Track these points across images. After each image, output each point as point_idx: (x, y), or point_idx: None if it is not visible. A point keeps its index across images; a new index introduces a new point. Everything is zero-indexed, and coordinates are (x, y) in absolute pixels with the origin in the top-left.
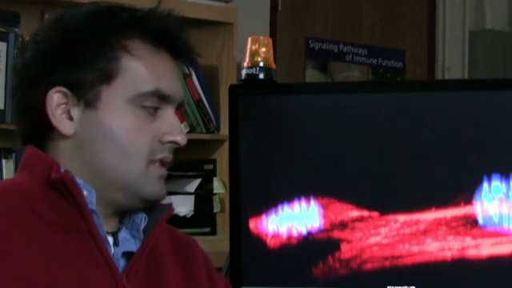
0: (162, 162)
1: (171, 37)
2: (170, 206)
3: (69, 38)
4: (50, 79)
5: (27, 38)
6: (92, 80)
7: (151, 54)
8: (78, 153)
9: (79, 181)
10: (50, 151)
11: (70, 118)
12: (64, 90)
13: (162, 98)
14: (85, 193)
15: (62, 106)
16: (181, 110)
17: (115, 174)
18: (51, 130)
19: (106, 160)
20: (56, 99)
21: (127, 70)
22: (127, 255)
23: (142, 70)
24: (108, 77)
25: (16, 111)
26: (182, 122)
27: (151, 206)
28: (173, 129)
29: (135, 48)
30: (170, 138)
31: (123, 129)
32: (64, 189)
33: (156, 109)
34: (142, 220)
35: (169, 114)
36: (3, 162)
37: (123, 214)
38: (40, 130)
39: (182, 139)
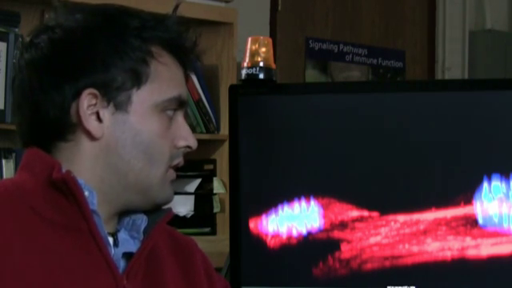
0: (175, 167)
1: (185, 48)
2: (169, 210)
3: (97, 39)
4: (82, 81)
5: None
6: (123, 82)
7: (171, 60)
8: (102, 154)
9: (80, 181)
10: (61, 151)
11: (100, 120)
12: (94, 91)
13: (181, 104)
14: (86, 193)
15: (91, 108)
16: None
17: (138, 177)
18: (72, 131)
19: (132, 163)
20: (87, 101)
21: (156, 75)
22: (126, 256)
23: (167, 76)
24: (139, 80)
25: (27, 110)
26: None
27: (157, 208)
28: (187, 134)
29: (160, 54)
30: (185, 143)
31: (151, 133)
32: (65, 189)
33: (173, 114)
34: (142, 221)
35: (181, 120)
36: (3, 162)
37: (122, 215)
38: (55, 130)
39: (194, 144)
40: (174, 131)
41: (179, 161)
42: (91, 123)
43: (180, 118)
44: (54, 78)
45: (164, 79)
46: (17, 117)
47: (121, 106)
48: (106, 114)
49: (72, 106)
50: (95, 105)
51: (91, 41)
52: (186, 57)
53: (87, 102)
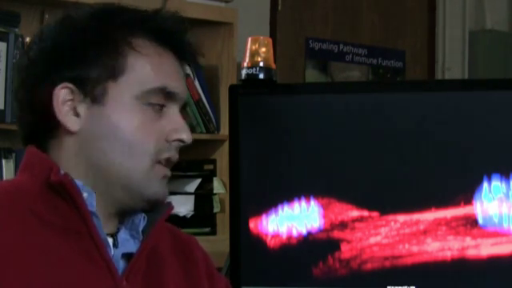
0: (168, 162)
1: (176, 37)
2: (168, 205)
3: (74, 35)
4: (56, 76)
5: (27, 39)
6: (98, 76)
7: (157, 52)
8: (82, 150)
9: (79, 183)
10: (53, 150)
11: (77, 115)
12: (70, 85)
13: (168, 95)
14: (84, 195)
15: (69, 103)
16: (182, 111)
17: (120, 172)
18: (56, 128)
19: (111, 157)
20: (62, 95)
21: (133, 66)
22: (127, 256)
23: (148, 67)
24: (114, 73)
25: (19, 110)
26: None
27: (154, 207)
28: (179, 127)
29: (141, 45)
30: (177, 137)
31: (130, 126)
32: (63, 191)
33: (162, 107)
34: (140, 220)
35: (174, 113)
36: (3, 161)
37: (123, 215)
38: (44, 128)
39: (188, 137)
40: (163, 124)
41: (170, 155)
42: (67, 118)
43: (173, 110)
44: (33, 75)
45: (145, 71)
46: (17, 116)
47: (97, 99)
48: (82, 107)
49: (51, 102)
50: (72, 100)
51: (66, 36)
52: (178, 47)
53: (62, 97)
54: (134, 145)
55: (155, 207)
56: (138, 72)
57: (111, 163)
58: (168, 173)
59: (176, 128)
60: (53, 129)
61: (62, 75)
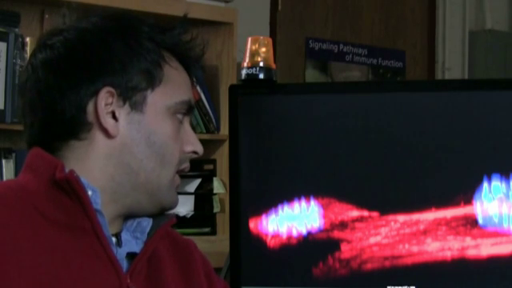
0: (181, 172)
1: (193, 57)
2: (173, 216)
3: (113, 40)
4: (98, 79)
5: (27, 39)
6: (138, 83)
7: (179, 66)
8: (116, 153)
9: (84, 181)
10: (74, 151)
11: (115, 119)
12: (112, 90)
13: (190, 108)
14: (89, 192)
15: (108, 107)
16: None
17: (149, 177)
18: (87, 130)
19: (144, 163)
20: (105, 99)
21: (168, 78)
22: (129, 256)
23: (178, 80)
24: (153, 82)
25: (32, 109)
26: None
27: (161, 213)
28: (194, 140)
29: (171, 59)
30: (192, 149)
31: (164, 135)
32: (69, 188)
33: (183, 119)
34: (148, 223)
35: (188, 125)
36: (3, 162)
37: (126, 218)
38: (72, 130)
39: (201, 150)
40: (182, 136)
41: (186, 166)
42: (108, 122)
43: (187, 123)
44: (71, 77)
45: (175, 83)
46: (28, 117)
47: (136, 106)
48: (121, 113)
49: (89, 104)
50: (111, 104)
51: (107, 41)
52: (192, 65)
53: (105, 101)
54: (166, 153)
55: (162, 214)
56: (172, 84)
57: (143, 168)
58: (180, 183)
59: (191, 141)
60: (82, 130)
61: (105, 80)
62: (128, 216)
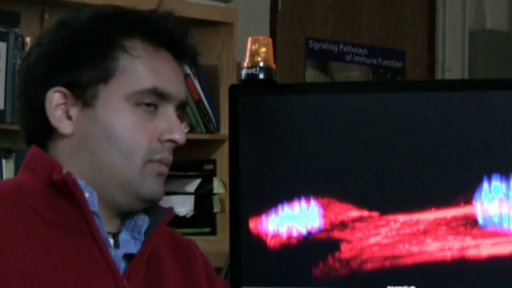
0: (161, 163)
1: (171, 37)
2: (170, 210)
3: (69, 40)
4: (50, 80)
5: (27, 39)
6: (90, 79)
7: (150, 53)
8: (76, 152)
9: (81, 182)
10: (50, 151)
11: (69, 118)
12: (63, 90)
13: (160, 95)
14: (86, 194)
15: (62, 106)
16: (181, 112)
17: (114, 172)
18: (52, 131)
19: (104, 158)
20: (55, 99)
21: (125, 68)
22: (127, 257)
23: (139, 68)
24: (105, 76)
25: (20, 112)
26: (182, 122)
27: (151, 206)
28: (171, 127)
29: (134, 47)
30: (169, 137)
31: (121, 127)
32: (66, 190)
33: (156, 108)
34: (144, 222)
35: (168, 113)
36: (3, 162)
37: (125, 216)
38: (41, 131)
39: (180, 138)
40: (156, 124)
41: (162, 156)
42: (60, 121)
43: (167, 111)
44: (33, 80)
45: (136, 72)
46: (17, 115)
47: (88, 102)
48: (74, 111)
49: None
50: (65, 103)
51: (60, 41)
52: (174, 47)
53: (55, 101)
54: (125, 145)
55: (155, 208)
56: (129, 74)
57: (104, 163)
58: (163, 170)
59: (169, 128)
60: (49, 131)
61: (56, 79)
62: (123, 215)
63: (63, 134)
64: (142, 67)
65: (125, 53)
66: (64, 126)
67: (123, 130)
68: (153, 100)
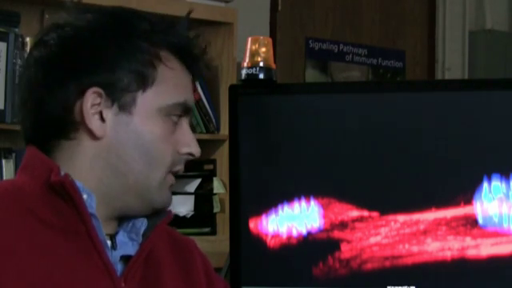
0: (173, 174)
1: (195, 55)
2: (168, 211)
3: (105, 39)
4: (86, 78)
5: (27, 39)
6: (128, 84)
7: (179, 66)
8: (103, 154)
9: (79, 184)
10: (62, 150)
11: (102, 120)
12: (100, 90)
13: (186, 109)
14: (84, 196)
15: (95, 107)
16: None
17: (137, 179)
18: (74, 130)
19: (132, 165)
20: (91, 99)
21: (162, 79)
22: (125, 258)
23: (174, 81)
24: (145, 83)
25: (25, 107)
26: None
27: (156, 213)
28: (191, 141)
29: (168, 59)
30: (188, 150)
31: (153, 137)
32: (63, 192)
33: (178, 119)
34: (142, 224)
35: (186, 126)
36: (3, 161)
37: (122, 218)
38: (57, 128)
39: (197, 152)
40: (177, 137)
41: (180, 168)
42: (94, 122)
43: (184, 124)
44: (60, 75)
45: (170, 84)
46: (21, 113)
47: (125, 108)
48: (109, 114)
49: (76, 104)
50: (99, 104)
51: (99, 40)
52: (194, 64)
53: (91, 101)
54: (154, 155)
55: (157, 213)
56: (166, 85)
57: (130, 170)
58: (173, 181)
59: (187, 142)
60: (69, 130)
61: (93, 79)
62: (122, 217)
63: (95, 135)
64: (176, 80)
65: (161, 63)
66: (97, 127)
67: (155, 141)
68: (180, 113)
